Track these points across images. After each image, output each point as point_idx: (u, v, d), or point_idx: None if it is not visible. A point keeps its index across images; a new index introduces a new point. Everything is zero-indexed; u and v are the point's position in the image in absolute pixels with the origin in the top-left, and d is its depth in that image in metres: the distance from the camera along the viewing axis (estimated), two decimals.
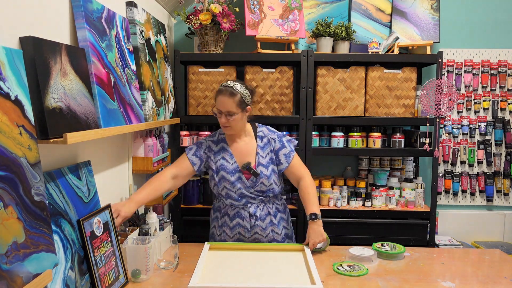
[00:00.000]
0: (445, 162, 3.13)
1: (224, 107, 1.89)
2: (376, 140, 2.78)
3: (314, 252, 1.92)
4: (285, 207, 2.13)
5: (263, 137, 2.04)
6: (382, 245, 1.96)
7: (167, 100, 2.45)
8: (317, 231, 1.91)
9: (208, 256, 1.82)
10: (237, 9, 2.72)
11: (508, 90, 3.07)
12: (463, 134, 3.11)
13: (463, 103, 3.09)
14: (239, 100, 1.89)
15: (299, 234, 2.66)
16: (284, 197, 2.26)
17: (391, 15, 2.94)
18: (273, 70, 2.73)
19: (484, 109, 3.09)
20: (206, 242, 1.95)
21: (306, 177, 2.05)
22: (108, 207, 1.57)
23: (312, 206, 1.96)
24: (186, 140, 2.77)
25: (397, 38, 2.78)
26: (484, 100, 3.08)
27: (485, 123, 3.09)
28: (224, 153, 2.01)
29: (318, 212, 1.94)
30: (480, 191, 3.14)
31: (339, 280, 1.64)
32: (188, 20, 2.67)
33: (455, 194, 3.14)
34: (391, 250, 1.90)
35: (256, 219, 1.99)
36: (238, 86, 1.91)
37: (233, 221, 2.01)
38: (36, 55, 1.16)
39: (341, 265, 1.78)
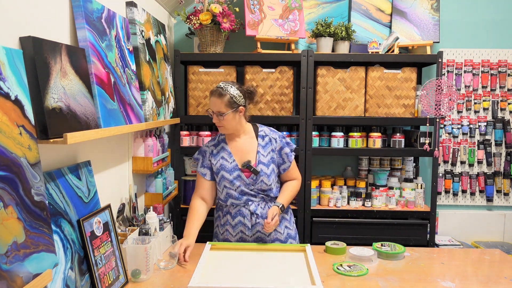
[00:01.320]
0: (445, 162, 3.14)
1: (214, 107, 1.95)
2: (376, 140, 2.78)
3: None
4: (287, 208, 2.14)
5: (265, 136, 2.06)
6: (382, 245, 1.96)
7: (167, 100, 2.44)
8: (272, 211, 1.95)
9: (209, 256, 1.82)
10: (237, 9, 2.72)
11: (508, 90, 3.07)
12: (463, 134, 3.11)
13: (463, 103, 3.09)
14: (228, 101, 1.92)
15: (299, 234, 2.65)
16: None
17: (391, 15, 2.94)
18: (273, 70, 2.73)
19: (484, 109, 3.09)
20: (207, 242, 1.95)
21: (297, 180, 2.13)
22: (108, 207, 1.57)
23: (282, 198, 2.03)
24: (186, 140, 2.77)
25: (397, 38, 2.78)
26: (484, 100, 3.08)
27: (485, 123, 3.09)
28: (223, 152, 2.03)
29: (284, 203, 2.02)
30: (480, 191, 3.14)
31: (339, 280, 1.64)
32: (188, 20, 2.67)
33: (455, 194, 3.14)
34: (391, 250, 1.90)
35: (257, 217, 1.99)
36: (229, 87, 1.95)
37: (234, 219, 2.02)
38: (36, 55, 1.16)
39: (341, 265, 1.78)
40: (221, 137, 2.09)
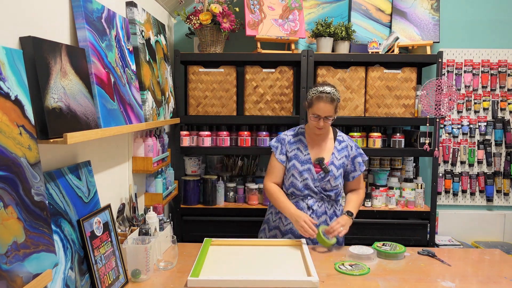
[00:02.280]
0: (445, 162, 3.13)
1: (324, 113, 2.01)
2: (376, 140, 2.78)
3: (318, 244, 1.98)
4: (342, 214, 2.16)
5: (342, 142, 2.17)
6: (383, 244, 1.96)
7: (167, 100, 2.44)
8: (345, 221, 2.00)
9: (208, 251, 1.86)
10: (237, 9, 2.72)
11: (508, 90, 3.07)
12: (463, 134, 3.11)
13: (463, 103, 3.09)
14: (336, 105, 2.04)
15: None
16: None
17: (391, 15, 2.94)
18: (273, 70, 2.73)
19: (484, 109, 3.09)
20: (205, 239, 1.99)
21: (361, 190, 2.22)
22: (108, 207, 1.57)
23: (353, 209, 2.09)
24: (186, 140, 2.77)
25: (397, 38, 2.78)
26: (484, 100, 3.08)
27: (485, 123, 3.09)
28: (299, 144, 2.13)
29: (354, 213, 2.08)
30: (480, 191, 3.14)
31: (340, 279, 1.65)
32: (188, 20, 2.67)
33: (455, 194, 3.14)
34: (391, 249, 1.90)
35: (312, 212, 2.07)
36: (336, 92, 2.03)
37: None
38: (36, 55, 1.16)
39: (342, 264, 1.78)
40: (301, 129, 2.17)
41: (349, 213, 2.04)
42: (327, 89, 2.01)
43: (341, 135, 2.19)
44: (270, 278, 1.56)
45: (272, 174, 2.16)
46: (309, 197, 2.08)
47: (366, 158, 2.20)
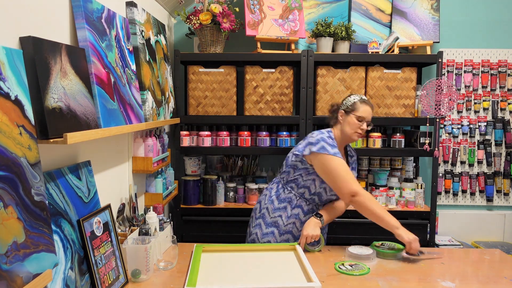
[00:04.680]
0: (445, 162, 3.13)
1: (369, 115, 2.07)
2: (376, 140, 2.78)
3: (308, 252, 1.94)
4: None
5: (352, 156, 2.23)
6: (381, 244, 1.96)
7: (167, 100, 2.44)
8: (311, 224, 1.97)
9: (201, 259, 1.79)
10: (237, 9, 2.72)
11: (508, 90, 3.07)
12: (463, 134, 3.11)
13: (463, 103, 3.09)
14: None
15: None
16: None
17: (391, 15, 2.94)
18: (273, 70, 2.73)
19: (484, 109, 3.09)
20: (195, 245, 1.92)
21: (345, 205, 2.19)
22: (108, 207, 1.57)
23: (326, 214, 2.07)
24: (186, 140, 2.77)
25: (397, 38, 2.78)
26: (484, 100, 3.08)
27: (485, 123, 3.09)
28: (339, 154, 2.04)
29: (325, 218, 2.05)
30: (480, 191, 3.14)
31: (340, 279, 1.65)
32: (188, 20, 2.67)
33: (455, 194, 3.14)
34: (389, 249, 1.90)
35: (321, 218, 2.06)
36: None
37: (306, 216, 2.09)
38: (36, 55, 1.16)
39: (342, 264, 1.78)
40: (332, 139, 2.06)
41: (318, 215, 2.02)
42: (364, 97, 2.12)
43: (349, 149, 2.24)
44: (271, 286, 1.52)
45: (353, 178, 1.97)
46: (319, 206, 2.14)
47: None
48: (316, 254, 1.92)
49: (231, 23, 2.65)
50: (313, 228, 1.95)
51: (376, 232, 2.72)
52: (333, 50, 2.81)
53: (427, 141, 2.69)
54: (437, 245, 2.91)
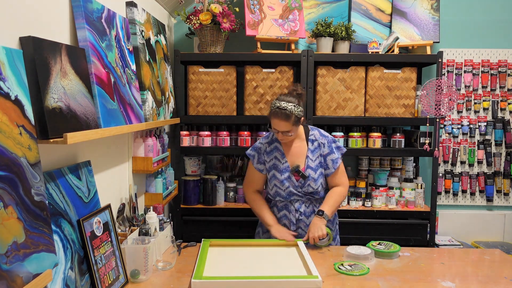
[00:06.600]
0: (445, 162, 3.13)
1: (280, 128, 2.01)
2: (376, 140, 2.78)
3: (316, 247, 1.98)
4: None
5: (314, 141, 2.15)
6: (379, 243, 1.96)
7: (167, 100, 2.44)
8: (317, 225, 1.99)
9: (207, 252, 1.85)
10: (237, 9, 2.72)
11: (508, 90, 3.07)
12: (463, 134, 3.11)
13: (463, 103, 3.09)
14: (294, 120, 2.00)
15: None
16: None
17: (391, 15, 2.94)
18: (273, 70, 2.73)
19: (484, 109, 3.09)
20: (202, 240, 1.98)
21: (342, 186, 2.17)
22: (108, 207, 1.57)
23: (325, 206, 2.07)
24: (186, 140, 2.77)
25: (397, 38, 2.78)
26: (484, 100, 3.08)
27: (485, 123, 3.09)
28: (276, 152, 2.14)
29: (328, 213, 2.04)
30: (480, 191, 3.14)
31: (339, 279, 1.65)
32: (188, 20, 2.67)
33: (455, 194, 3.14)
34: (386, 249, 1.90)
35: (301, 214, 2.10)
36: (290, 106, 1.98)
37: (280, 213, 2.15)
38: (36, 55, 1.16)
39: (342, 264, 1.78)
40: (275, 136, 2.14)
41: (319, 213, 2.03)
42: (284, 104, 1.97)
43: (313, 133, 2.16)
44: (274, 279, 1.55)
45: (252, 183, 2.21)
46: (295, 201, 2.12)
47: (344, 150, 2.18)
48: (316, 254, 1.92)
49: (231, 23, 2.65)
50: (317, 229, 1.98)
51: (376, 232, 2.73)
52: (333, 50, 2.81)
53: (427, 141, 2.69)
54: (437, 245, 2.91)
